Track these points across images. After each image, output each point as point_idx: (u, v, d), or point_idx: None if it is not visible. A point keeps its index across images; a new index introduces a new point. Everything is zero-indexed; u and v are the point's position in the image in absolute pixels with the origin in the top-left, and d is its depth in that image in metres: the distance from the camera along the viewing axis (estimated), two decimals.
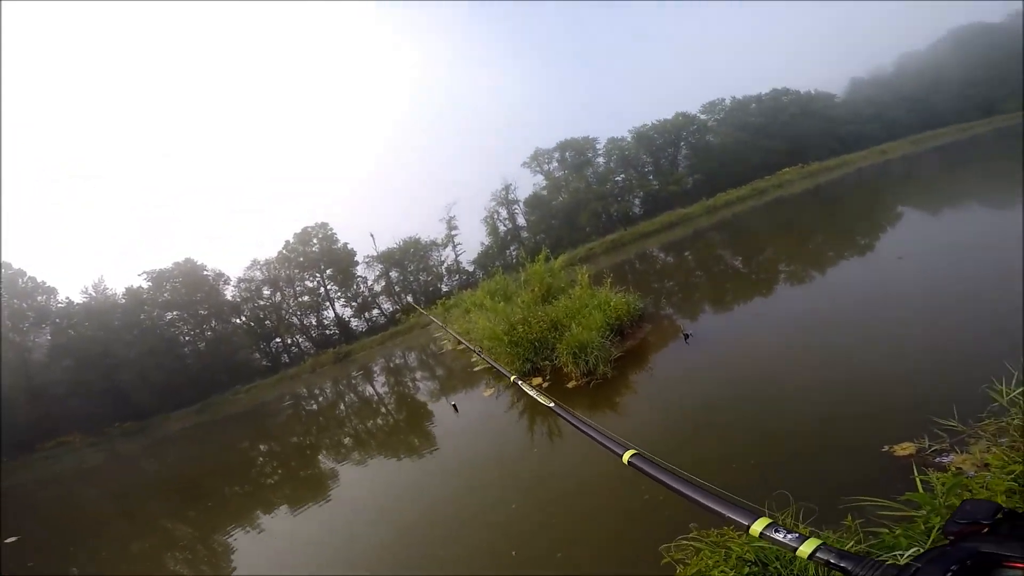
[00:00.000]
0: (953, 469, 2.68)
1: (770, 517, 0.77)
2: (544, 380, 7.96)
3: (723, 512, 0.84)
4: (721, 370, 6.15)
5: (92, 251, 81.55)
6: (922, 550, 1.84)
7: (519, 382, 2.20)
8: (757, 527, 0.77)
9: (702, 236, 24.38)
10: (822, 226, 14.79)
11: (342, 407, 15.95)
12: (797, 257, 11.33)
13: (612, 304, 8.63)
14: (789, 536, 0.72)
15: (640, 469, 1.05)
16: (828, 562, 0.66)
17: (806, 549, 0.69)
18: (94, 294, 40.44)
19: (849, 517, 2.48)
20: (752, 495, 3.29)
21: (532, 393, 1.81)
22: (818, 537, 0.70)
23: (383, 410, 12.44)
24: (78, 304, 39.17)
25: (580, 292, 9.57)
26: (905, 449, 3.18)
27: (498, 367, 2.67)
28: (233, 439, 16.76)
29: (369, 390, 17.13)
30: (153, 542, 7.55)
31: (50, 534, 9.04)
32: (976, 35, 61.12)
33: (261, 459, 11.72)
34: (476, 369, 10.74)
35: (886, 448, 3.25)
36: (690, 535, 2.90)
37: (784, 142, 54.99)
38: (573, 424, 1.47)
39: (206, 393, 35.28)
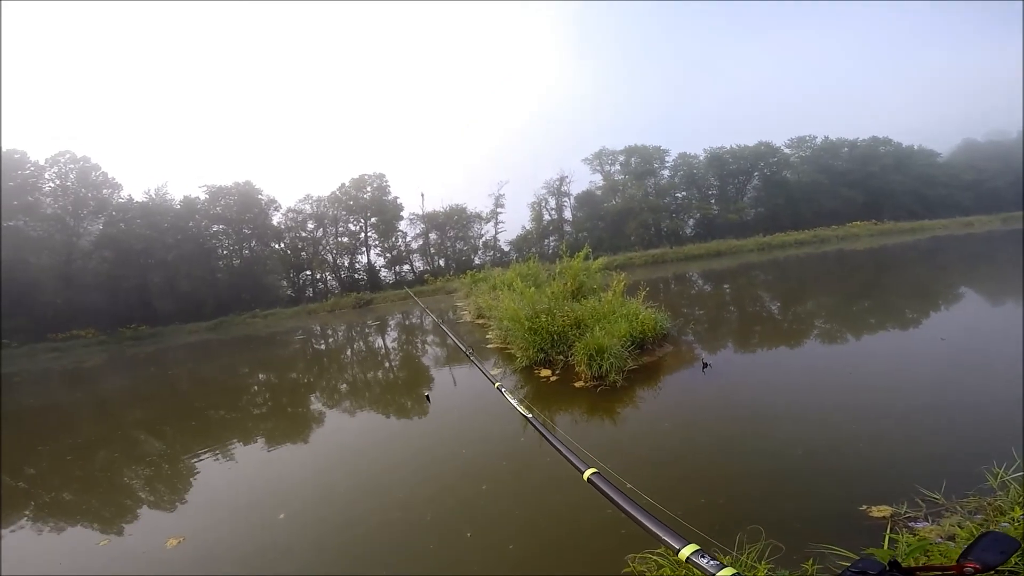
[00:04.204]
0: (920, 536, 2.75)
1: (698, 545, 0.82)
2: (553, 374, 7.72)
3: (660, 534, 0.91)
4: (730, 404, 5.92)
5: (171, 163, 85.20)
6: None
7: (502, 389, 2.23)
8: (686, 552, 0.84)
9: (747, 272, 23.43)
10: (872, 291, 13.92)
11: (348, 353, 16.05)
12: (836, 316, 10.70)
13: (640, 317, 8.33)
14: (711, 563, 0.79)
15: (597, 487, 1.12)
16: None
17: None
18: (154, 196, 42.23)
19: (811, 561, 2.53)
20: (725, 525, 3.16)
21: (513, 403, 1.91)
22: (735, 568, 0.73)
23: (386, 365, 12.42)
24: (137, 202, 41.10)
25: (611, 297, 9.25)
26: (881, 511, 3.23)
27: (484, 371, 2.65)
28: (236, 362, 17.00)
29: (379, 342, 17.22)
30: (121, 453, 7.48)
31: (23, 432, 8.97)
32: None
33: (256, 387, 11.77)
34: (489, 346, 10.56)
35: (864, 507, 3.29)
36: (658, 549, 2.85)
37: (864, 194, 51.99)
38: (545, 437, 1.46)
39: (225, 310, 36.23)
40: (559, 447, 1.39)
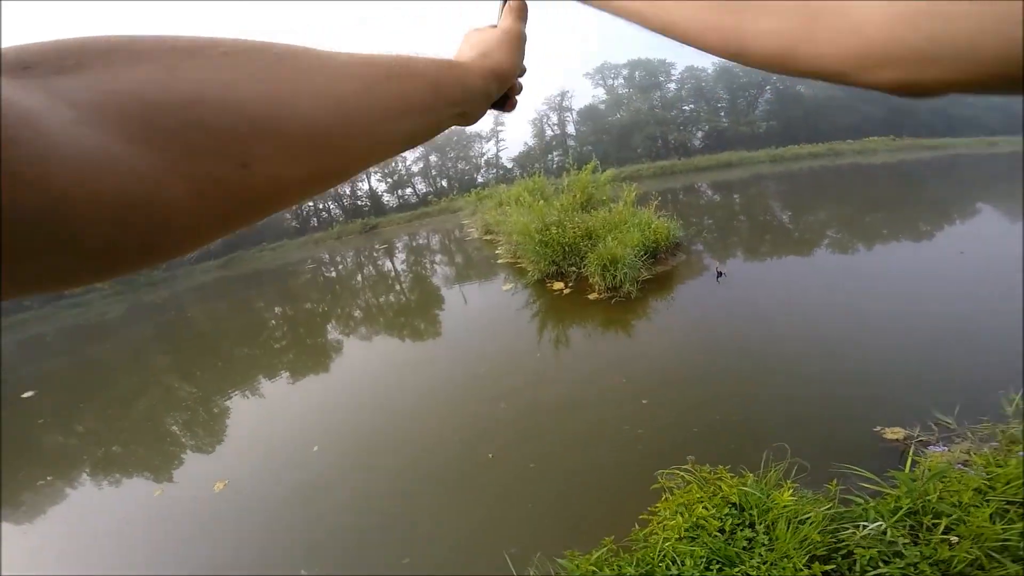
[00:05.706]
0: (936, 461, 2.72)
1: None
2: (566, 287, 7.69)
3: None
4: (746, 317, 5.80)
5: None
6: (885, 526, 2.06)
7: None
8: None
9: (759, 183, 22.82)
10: (889, 203, 13.46)
11: (359, 278, 16.07)
12: (850, 228, 10.36)
13: (652, 226, 8.16)
14: None
15: None
16: None
17: None
18: None
19: (834, 482, 2.49)
20: (751, 442, 3.29)
21: None
22: None
23: (397, 287, 12.45)
24: None
25: (622, 208, 9.02)
26: (895, 433, 3.26)
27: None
28: (251, 297, 16.86)
29: (388, 265, 17.19)
30: (158, 401, 7.43)
31: (64, 390, 8.86)
32: None
33: (273, 322, 11.70)
34: (499, 262, 10.49)
35: (878, 428, 3.33)
36: (684, 466, 2.87)
37: (884, 110, 49.06)
38: None
39: (233, 247, 35.98)
40: None
